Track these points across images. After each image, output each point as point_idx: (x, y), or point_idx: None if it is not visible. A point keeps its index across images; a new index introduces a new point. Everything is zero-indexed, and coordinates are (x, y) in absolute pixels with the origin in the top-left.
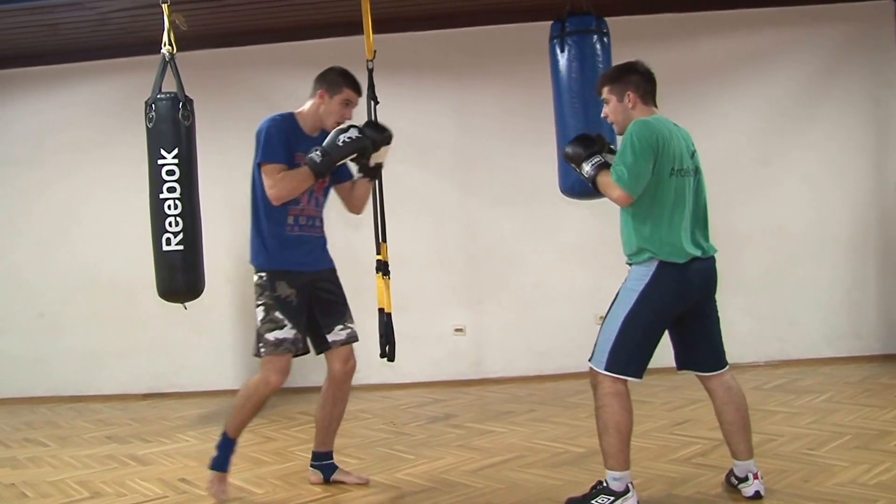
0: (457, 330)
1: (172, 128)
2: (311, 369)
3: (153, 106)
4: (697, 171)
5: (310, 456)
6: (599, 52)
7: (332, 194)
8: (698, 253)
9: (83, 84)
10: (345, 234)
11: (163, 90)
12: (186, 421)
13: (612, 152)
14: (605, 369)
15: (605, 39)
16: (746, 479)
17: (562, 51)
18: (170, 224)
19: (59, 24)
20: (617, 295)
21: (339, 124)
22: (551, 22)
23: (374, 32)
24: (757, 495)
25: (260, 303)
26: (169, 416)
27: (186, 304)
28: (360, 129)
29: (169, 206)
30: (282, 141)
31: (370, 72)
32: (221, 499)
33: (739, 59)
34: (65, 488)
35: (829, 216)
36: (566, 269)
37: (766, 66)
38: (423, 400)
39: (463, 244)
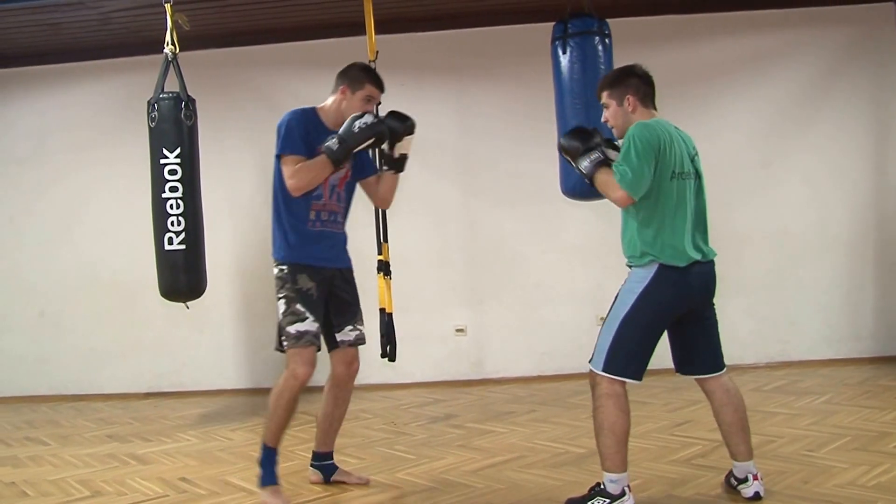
0: (458, 330)
1: (175, 127)
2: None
3: (155, 106)
4: (698, 174)
5: (310, 456)
6: (601, 54)
7: (359, 191)
8: (699, 257)
9: (85, 84)
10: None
11: (165, 90)
12: (187, 420)
13: (614, 147)
14: (603, 370)
15: (607, 41)
16: (746, 479)
17: (564, 52)
18: (172, 223)
19: (61, 23)
20: (616, 297)
21: None
22: (553, 23)
23: (376, 33)
24: (756, 496)
25: (281, 295)
26: (170, 415)
27: (188, 303)
28: (375, 116)
29: (171, 206)
30: (301, 134)
31: None
32: None
33: (741, 61)
34: (65, 487)
35: (830, 218)
36: (567, 269)
37: (767, 68)
38: (424, 400)
39: (464, 244)
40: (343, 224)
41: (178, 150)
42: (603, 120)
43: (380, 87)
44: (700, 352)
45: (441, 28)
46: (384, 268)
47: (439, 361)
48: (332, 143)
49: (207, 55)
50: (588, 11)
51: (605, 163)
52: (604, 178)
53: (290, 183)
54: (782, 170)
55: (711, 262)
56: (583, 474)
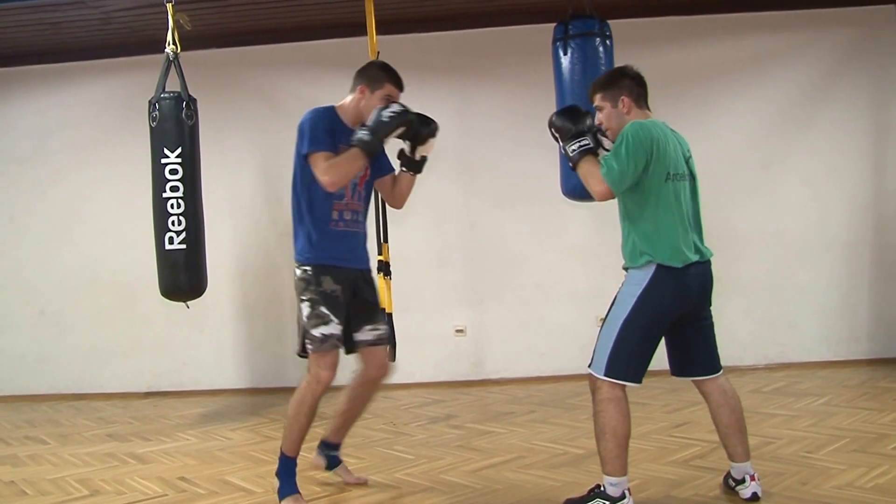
0: (458, 331)
1: (176, 127)
2: None
3: (157, 105)
4: (693, 176)
5: (310, 455)
6: (602, 55)
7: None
8: (696, 257)
9: (86, 83)
10: None
11: (166, 89)
12: (187, 420)
13: (604, 134)
14: (604, 374)
15: (608, 42)
16: (744, 480)
17: (565, 53)
18: (172, 223)
19: (62, 22)
20: (614, 300)
21: None
22: (554, 24)
23: (377, 33)
24: (754, 497)
25: (304, 298)
26: (170, 414)
27: (188, 302)
28: (401, 104)
29: (172, 205)
30: (326, 130)
31: None
32: None
33: (741, 62)
34: (64, 486)
35: (829, 219)
36: (568, 270)
37: (767, 70)
38: (424, 400)
39: (464, 245)
40: (364, 223)
41: (178, 150)
42: (597, 123)
43: (399, 86)
44: (697, 353)
45: (442, 29)
46: (384, 268)
47: (439, 362)
48: (363, 134)
49: (208, 55)
50: (589, 13)
51: (593, 151)
52: (588, 168)
53: (324, 179)
54: (781, 171)
55: (708, 263)
56: (581, 475)
